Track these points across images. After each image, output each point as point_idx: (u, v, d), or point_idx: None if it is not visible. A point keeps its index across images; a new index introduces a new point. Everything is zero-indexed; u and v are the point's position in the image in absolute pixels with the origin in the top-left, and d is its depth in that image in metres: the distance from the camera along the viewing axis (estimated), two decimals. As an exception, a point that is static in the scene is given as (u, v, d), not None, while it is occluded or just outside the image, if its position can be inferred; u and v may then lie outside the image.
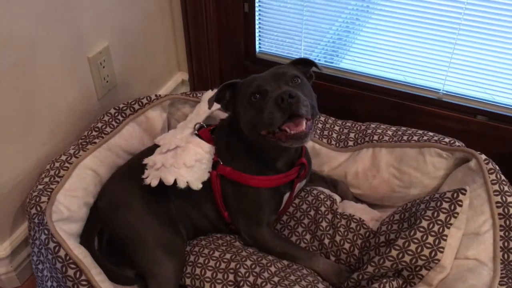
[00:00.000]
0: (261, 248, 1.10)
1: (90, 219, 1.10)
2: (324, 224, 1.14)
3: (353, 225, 1.13)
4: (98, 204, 1.12)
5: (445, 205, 0.96)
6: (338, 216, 1.15)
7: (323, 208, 1.16)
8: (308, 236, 1.14)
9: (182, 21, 1.57)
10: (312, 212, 1.16)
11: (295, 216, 1.17)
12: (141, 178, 1.06)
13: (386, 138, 1.23)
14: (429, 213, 0.97)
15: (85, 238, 1.06)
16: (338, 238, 1.12)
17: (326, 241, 1.12)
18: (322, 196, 1.19)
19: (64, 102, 1.22)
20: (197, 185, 1.05)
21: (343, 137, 1.31)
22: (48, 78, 1.14)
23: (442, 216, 0.95)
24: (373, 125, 1.29)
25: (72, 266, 0.94)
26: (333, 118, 1.37)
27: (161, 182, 1.03)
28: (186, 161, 1.04)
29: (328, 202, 1.18)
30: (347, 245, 1.11)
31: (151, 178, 1.04)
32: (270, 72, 1.05)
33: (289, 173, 1.09)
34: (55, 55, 1.15)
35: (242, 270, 1.02)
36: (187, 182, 1.03)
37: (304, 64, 1.12)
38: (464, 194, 0.97)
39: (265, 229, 1.10)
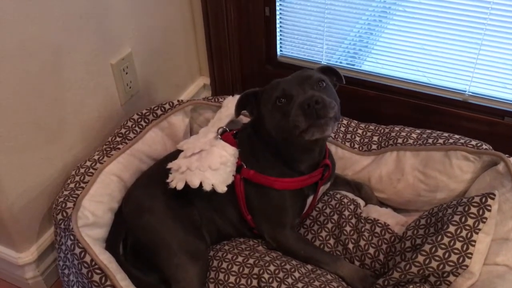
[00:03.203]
0: (285, 251, 1.10)
1: (115, 224, 1.11)
2: (348, 228, 1.12)
3: (377, 229, 1.11)
4: (122, 209, 1.13)
5: (473, 209, 0.94)
6: (362, 221, 1.13)
7: (346, 213, 1.15)
8: (332, 241, 1.13)
9: (203, 26, 1.58)
10: (335, 216, 1.15)
11: (318, 220, 1.16)
12: (165, 183, 1.06)
13: (411, 141, 1.21)
14: (456, 218, 0.94)
15: (110, 243, 1.07)
16: (362, 242, 1.10)
17: (350, 245, 1.11)
18: (345, 200, 1.17)
19: (88, 108, 1.23)
20: (222, 188, 1.04)
21: (366, 140, 1.29)
22: (73, 84, 1.16)
23: (470, 221, 0.93)
24: (397, 128, 1.27)
25: (98, 271, 0.95)
26: (356, 121, 1.35)
27: (185, 187, 1.04)
28: (211, 164, 1.05)
29: (352, 206, 1.16)
30: (371, 250, 1.09)
31: (176, 182, 1.04)
32: (296, 75, 1.05)
33: (312, 174, 1.09)
34: (79, 62, 1.17)
35: (266, 276, 1.02)
36: (212, 185, 1.03)
37: (329, 72, 1.11)
38: (493, 199, 0.94)
39: (289, 232, 1.09)
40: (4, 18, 0.95)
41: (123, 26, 1.29)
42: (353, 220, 1.14)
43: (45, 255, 1.21)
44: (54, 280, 1.25)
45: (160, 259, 1.03)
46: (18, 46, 1.00)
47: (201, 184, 1.03)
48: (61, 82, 1.13)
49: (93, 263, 0.95)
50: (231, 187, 1.07)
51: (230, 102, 1.22)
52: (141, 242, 1.06)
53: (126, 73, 1.33)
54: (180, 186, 1.04)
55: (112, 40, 1.26)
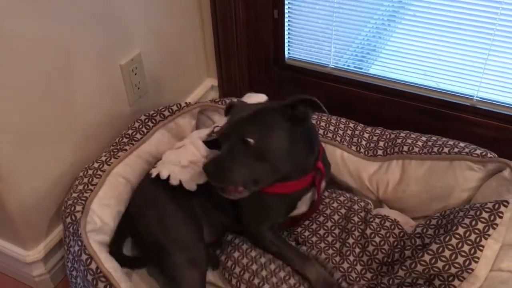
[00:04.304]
0: (257, 243, 1.11)
1: (120, 225, 1.12)
2: (356, 219, 1.13)
3: (387, 223, 1.11)
4: (129, 209, 1.14)
5: (485, 215, 0.94)
6: (371, 214, 1.14)
7: (356, 207, 1.16)
8: (337, 230, 1.14)
9: (212, 27, 1.59)
10: (343, 210, 1.16)
11: (324, 213, 1.17)
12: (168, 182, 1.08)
13: (416, 149, 1.21)
14: (467, 221, 0.94)
15: (113, 244, 1.09)
16: (369, 231, 1.10)
17: (356, 233, 1.11)
18: (355, 198, 1.18)
19: (97, 108, 1.25)
20: (190, 186, 1.07)
21: (372, 145, 1.29)
22: (81, 85, 1.18)
23: (480, 226, 0.93)
24: (403, 134, 1.27)
25: (103, 279, 0.95)
26: (362, 125, 1.35)
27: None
28: (181, 160, 1.08)
29: (362, 203, 1.17)
30: (377, 239, 1.09)
31: (154, 172, 1.10)
32: (235, 117, 0.98)
33: (303, 179, 1.06)
34: (88, 62, 1.18)
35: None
36: (179, 181, 1.06)
37: (302, 103, 0.96)
38: (506, 206, 0.94)
39: (266, 230, 1.10)
40: (14, 19, 0.97)
41: (133, 27, 1.30)
42: (362, 213, 1.14)
43: (52, 253, 1.23)
44: (60, 278, 1.27)
45: (161, 258, 1.04)
46: (29, 46, 1.01)
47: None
48: (71, 82, 1.14)
49: (99, 270, 0.96)
50: None
51: None
52: (145, 241, 1.07)
53: (135, 74, 1.34)
54: (154, 174, 1.09)
55: (122, 41, 1.27)
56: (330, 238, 1.13)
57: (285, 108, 0.96)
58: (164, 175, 1.06)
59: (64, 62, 1.11)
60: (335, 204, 1.17)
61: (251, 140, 0.92)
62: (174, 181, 1.06)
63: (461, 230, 0.93)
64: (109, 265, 0.97)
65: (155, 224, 1.07)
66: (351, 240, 1.11)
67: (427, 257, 0.93)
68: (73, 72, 1.14)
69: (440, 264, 0.92)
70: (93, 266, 0.96)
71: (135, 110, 1.37)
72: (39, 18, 1.02)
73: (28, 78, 1.03)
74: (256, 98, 1.21)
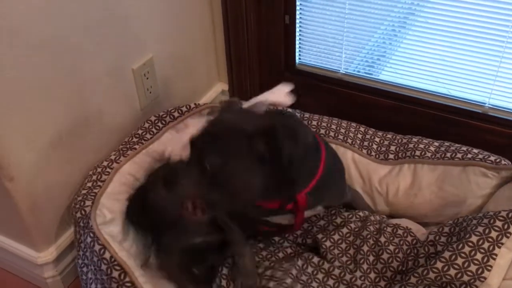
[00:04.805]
0: None
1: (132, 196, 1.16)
2: (371, 228, 1.13)
3: (400, 231, 1.11)
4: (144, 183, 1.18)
5: (498, 223, 0.93)
6: (384, 223, 1.14)
7: (372, 218, 1.16)
8: (351, 237, 1.13)
9: (223, 32, 1.60)
10: (359, 223, 1.16)
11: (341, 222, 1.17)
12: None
13: (429, 154, 1.21)
14: (480, 229, 0.94)
15: (128, 210, 1.13)
16: (383, 239, 1.10)
17: (371, 241, 1.11)
18: (372, 218, 1.18)
19: (109, 111, 1.26)
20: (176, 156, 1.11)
21: (383, 149, 1.29)
22: (94, 88, 1.19)
23: (493, 234, 0.92)
24: (415, 139, 1.27)
25: (117, 267, 0.96)
26: (373, 130, 1.35)
27: None
28: (183, 139, 1.05)
29: (378, 217, 1.17)
30: (392, 247, 1.09)
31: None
32: (209, 127, 0.90)
33: (273, 202, 0.98)
34: (101, 66, 1.19)
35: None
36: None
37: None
38: None
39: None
40: (27, 24, 0.98)
41: (145, 32, 1.31)
42: (377, 225, 1.14)
43: (64, 255, 1.23)
44: (71, 280, 1.27)
45: (158, 235, 1.10)
46: (41, 50, 1.02)
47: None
48: (82, 86, 1.15)
49: (113, 259, 0.97)
50: None
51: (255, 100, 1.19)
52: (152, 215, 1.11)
53: (147, 78, 1.35)
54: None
55: (134, 45, 1.28)
56: (343, 245, 1.13)
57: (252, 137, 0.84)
58: (167, 152, 1.13)
59: (77, 67, 1.12)
60: (353, 219, 1.17)
61: (207, 165, 0.84)
62: (175, 157, 1.08)
63: (474, 238, 0.93)
64: (122, 253, 0.99)
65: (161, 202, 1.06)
66: (365, 248, 1.11)
67: (439, 265, 0.93)
68: (86, 77, 1.15)
69: (452, 272, 0.92)
70: (107, 255, 0.97)
71: (146, 113, 1.38)
72: (52, 24, 1.03)
73: (40, 80, 1.04)
74: (282, 89, 1.16)
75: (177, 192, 0.86)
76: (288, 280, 1.02)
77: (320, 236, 1.14)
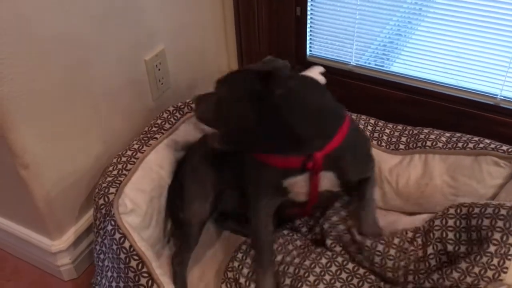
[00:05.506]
0: (251, 220, 1.11)
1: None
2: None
3: (395, 240, 1.08)
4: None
5: None
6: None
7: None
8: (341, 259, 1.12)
9: (234, 25, 1.60)
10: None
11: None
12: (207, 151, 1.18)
13: (440, 144, 1.20)
14: (497, 236, 0.92)
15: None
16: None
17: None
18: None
19: (121, 102, 1.27)
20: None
21: (394, 140, 1.29)
22: (107, 79, 1.20)
23: (511, 240, 0.91)
24: (426, 130, 1.27)
25: (135, 257, 0.97)
26: (383, 121, 1.35)
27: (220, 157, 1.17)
28: None
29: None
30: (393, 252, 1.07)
31: None
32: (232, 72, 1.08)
33: (291, 159, 1.01)
34: (114, 57, 1.20)
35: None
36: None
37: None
38: None
39: (257, 211, 1.09)
40: (41, 13, 0.99)
41: (157, 23, 1.31)
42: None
43: (77, 243, 1.25)
44: (84, 268, 1.29)
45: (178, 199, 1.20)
46: (55, 41, 1.03)
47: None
48: (96, 77, 1.16)
49: (132, 249, 0.98)
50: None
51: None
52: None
53: (159, 70, 1.36)
54: None
55: (146, 37, 1.29)
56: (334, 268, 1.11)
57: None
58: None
59: (90, 58, 1.13)
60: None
61: (215, 92, 1.02)
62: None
63: (492, 248, 0.91)
64: (141, 244, 1.00)
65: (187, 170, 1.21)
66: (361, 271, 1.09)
67: (456, 275, 0.93)
68: (99, 68, 1.16)
69: (469, 280, 0.91)
70: (126, 244, 0.98)
71: (158, 105, 1.39)
72: (65, 14, 1.03)
73: (53, 71, 1.05)
74: (315, 70, 1.24)
75: (196, 112, 1.07)
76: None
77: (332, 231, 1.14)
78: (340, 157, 1.01)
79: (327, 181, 1.04)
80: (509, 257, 0.90)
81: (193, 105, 1.33)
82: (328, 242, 1.13)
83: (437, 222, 1.06)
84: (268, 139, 0.97)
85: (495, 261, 0.90)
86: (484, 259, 0.91)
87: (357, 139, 1.07)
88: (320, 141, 0.99)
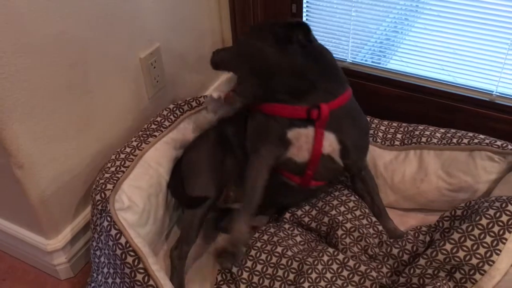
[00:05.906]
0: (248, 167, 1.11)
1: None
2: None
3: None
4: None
5: (510, 207, 0.93)
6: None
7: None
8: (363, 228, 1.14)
9: (230, 21, 1.60)
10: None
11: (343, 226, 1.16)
12: (212, 140, 1.25)
13: (435, 140, 1.21)
14: (491, 212, 0.94)
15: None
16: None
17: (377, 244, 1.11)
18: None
19: (117, 100, 1.26)
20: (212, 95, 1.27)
21: (389, 136, 1.29)
22: (101, 78, 1.19)
23: (504, 218, 0.92)
24: (421, 127, 1.27)
25: (131, 253, 0.97)
26: (378, 119, 1.35)
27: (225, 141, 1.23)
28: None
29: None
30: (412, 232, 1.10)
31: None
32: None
33: (297, 108, 1.04)
34: (109, 56, 1.19)
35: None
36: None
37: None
38: None
39: (257, 157, 1.09)
40: (35, 12, 0.98)
41: (152, 21, 1.31)
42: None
43: (73, 242, 1.25)
44: (80, 267, 1.29)
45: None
46: (50, 39, 1.03)
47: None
48: (90, 75, 1.16)
49: (128, 245, 0.97)
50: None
51: None
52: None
53: (154, 67, 1.35)
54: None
55: (141, 35, 1.28)
56: (356, 234, 1.12)
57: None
58: (215, 95, 1.24)
59: (85, 56, 1.13)
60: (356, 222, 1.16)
61: (239, 38, 1.14)
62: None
63: (484, 221, 0.93)
64: (138, 240, 0.99)
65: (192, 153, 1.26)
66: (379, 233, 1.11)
67: (448, 246, 0.93)
68: (93, 66, 1.16)
69: (461, 254, 0.92)
70: (122, 240, 0.98)
71: (154, 103, 1.39)
72: (59, 12, 1.03)
73: (49, 71, 1.05)
74: None
75: (213, 59, 1.21)
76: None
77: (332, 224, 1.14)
78: (342, 118, 1.06)
79: (329, 144, 1.06)
80: (504, 240, 0.90)
81: (193, 103, 1.34)
82: (340, 232, 1.13)
83: (447, 213, 1.07)
84: (281, 82, 1.04)
85: (488, 239, 0.91)
86: (476, 232, 0.92)
87: (357, 109, 1.13)
88: (327, 93, 1.06)
